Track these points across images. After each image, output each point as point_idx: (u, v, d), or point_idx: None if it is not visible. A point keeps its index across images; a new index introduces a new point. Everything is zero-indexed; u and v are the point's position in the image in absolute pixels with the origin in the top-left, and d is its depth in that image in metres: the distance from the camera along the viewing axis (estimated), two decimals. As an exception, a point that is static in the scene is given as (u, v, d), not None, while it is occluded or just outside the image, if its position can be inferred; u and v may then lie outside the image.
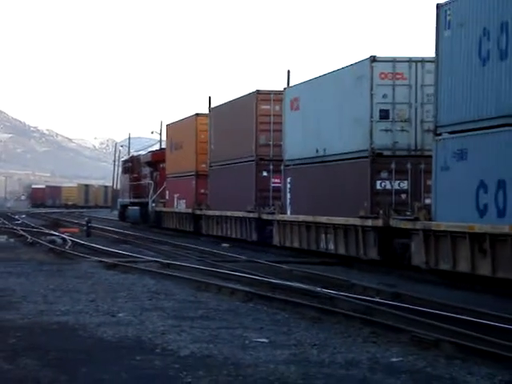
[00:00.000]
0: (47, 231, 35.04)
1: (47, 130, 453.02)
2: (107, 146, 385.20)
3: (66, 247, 26.16)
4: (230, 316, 11.87)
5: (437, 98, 16.93)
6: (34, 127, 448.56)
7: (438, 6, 16.73)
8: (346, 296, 13.40)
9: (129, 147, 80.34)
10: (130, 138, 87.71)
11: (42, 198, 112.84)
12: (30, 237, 30.35)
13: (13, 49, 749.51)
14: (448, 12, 16.42)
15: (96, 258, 21.65)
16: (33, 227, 39.54)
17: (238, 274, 17.41)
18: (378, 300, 13.25)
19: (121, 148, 68.59)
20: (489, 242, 14.84)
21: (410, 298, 13.55)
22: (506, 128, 14.55)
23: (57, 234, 32.64)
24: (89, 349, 9.31)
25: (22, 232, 33.93)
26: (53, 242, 28.34)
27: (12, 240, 30.79)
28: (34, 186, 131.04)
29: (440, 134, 16.67)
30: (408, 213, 18.46)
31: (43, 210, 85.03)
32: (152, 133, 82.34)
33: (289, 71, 31.89)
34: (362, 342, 9.86)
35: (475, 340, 9.43)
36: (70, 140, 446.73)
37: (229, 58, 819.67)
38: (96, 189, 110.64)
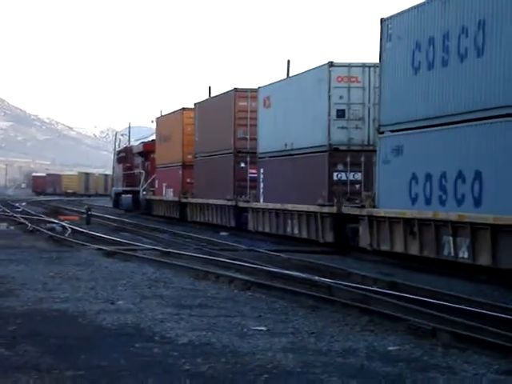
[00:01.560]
0: (47, 219, 35.10)
1: (48, 118, 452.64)
2: (107, 134, 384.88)
3: (66, 235, 26.22)
4: (229, 304, 11.92)
5: (380, 101, 19.47)
6: (35, 115, 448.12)
7: (382, 21, 19.16)
8: (344, 285, 13.46)
9: (129, 136, 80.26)
10: (130, 127, 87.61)
11: (42, 186, 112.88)
12: (30, 224, 30.40)
13: (13, 37, 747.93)
14: (389, 26, 18.84)
15: (96, 246, 21.70)
16: (33, 215, 39.58)
17: (237, 262, 17.47)
18: (375, 289, 13.31)
19: (121, 137, 68.52)
20: (417, 226, 17.36)
21: (407, 287, 13.62)
22: (433, 128, 16.92)
23: (57, 221, 32.71)
24: (88, 336, 9.36)
25: (22, 219, 33.98)
26: (53, 229, 28.40)
27: (12, 227, 30.85)
28: (34, 174, 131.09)
29: (383, 133, 19.04)
30: (357, 201, 20.92)
31: (43, 198, 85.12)
32: (152, 122, 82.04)
33: (289, 61, 31.95)
34: (360, 330, 9.91)
35: (473, 329, 9.47)
36: (71, 128, 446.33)
37: (230, 47, 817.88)
38: (96, 177, 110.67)
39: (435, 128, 16.88)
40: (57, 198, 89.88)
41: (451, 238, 16.16)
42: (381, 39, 19.12)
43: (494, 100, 15.03)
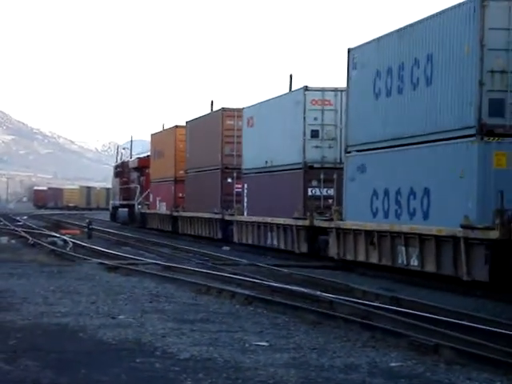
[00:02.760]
0: (48, 233, 35.09)
1: (50, 132, 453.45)
2: (109, 148, 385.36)
3: (67, 249, 26.20)
4: (231, 319, 11.89)
5: (347, 124, 21.43)
6: (37, 129, 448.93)
7: (349, 50, 21.00)
8: (346, 300, 13.43)
9: (131, 150, 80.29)
10: (132, 140, 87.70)
11: (43, 200, 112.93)
12: (31, 238, 30.39)
13: (15, 51, 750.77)
14: (355, 55, 20.70)
15: (97, 260, 21.68)
16: (34, 229, 39.58)
17: (239, 277, 17.45)
18: (377, 304, 13.28)
19: (123, 150, 68.50)
20: (377, 237, 19.21)
21: (409, 303, 13.59)
22: (391, 149, 18.90)
23: (58, 235, 32.69)
24: (89, 350, 9.33)
25: (23, 233, 33.97)
26: (54, 243, 28.39)
27: (13, 241, 30.82)
28: (36, 188, 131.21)
29: (349, 152, 21.00)
30: (327, 215, 22.84)
31: (45, 212, 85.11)
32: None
33: (291, 76, 32.12)
34: (362, 346, 9.88)
35: (475, 345, 9.44)
36: (73, 142, 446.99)
37: (232, 61, 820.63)
38: (98, 191, 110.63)
39: (392, 149, 18.84)
40: (58, 211, 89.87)
41: (404, 248, 18.10)
42: (348, 67, 20.94)
43: (440, 125, 16.88)
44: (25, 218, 59.22)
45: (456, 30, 16.49)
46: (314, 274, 18.64)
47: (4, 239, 31.18)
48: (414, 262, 17.69)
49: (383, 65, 19.12)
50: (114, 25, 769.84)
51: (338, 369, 8.56)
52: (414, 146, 17.83)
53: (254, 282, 16.59)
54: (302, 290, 14.96)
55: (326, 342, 10.08)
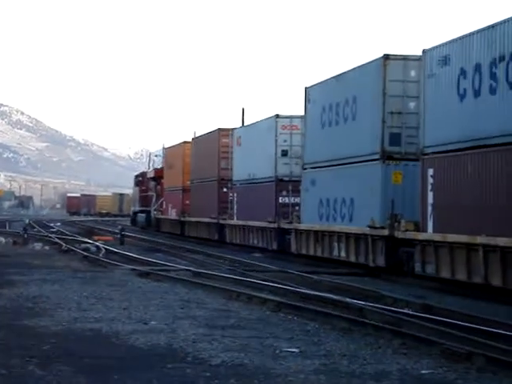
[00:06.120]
0: (81, 239, 35.39)
1: (83, 139, 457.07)
2: (141, 155, 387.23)
3: (100, 255, 26.41)
4: (261, 325, 11.92)
5: (304, 146, 26.73)
6: (70, 136, 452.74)
7: (305, 88, 26.49)
8: (376, 307, 13.41)
9: (162, 157, 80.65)
10: (164, 148, 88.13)
11: (76, 207, 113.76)
12: (64, 244, 30.67)
13: (50, 59, 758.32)
14: (309, 92, 26.24)
15: (129, 266, 21.82)
16: (67, 235, 39.93)
17: (269, 283, 17.48)
18: (407, 311, 13.25)
19: (155, 158, 68.85)
20: (321, 236, 24.67)
21: (439, 310, 13.53)
22: (331, 168, 24.32)
23: (91, 241, 32.96)
24: (121, 356, 9.41)
25: (56, 239, 34.30)
26: (87, 249, 28.63)
27: (47, 247, 31.13)
28: (69, 195, 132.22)
29: (305, 169, 26.40)
30: (290, 218, 28.23)
31: (78, 218, 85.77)
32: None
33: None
34: (392, 353, 9.86)
35: (506, 353, 9.38)
36: (105, 149, 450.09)
37: (264, 68, 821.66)
38: (130, 198, 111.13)
39: (332, 167, 24.30)
40: (91, 218, 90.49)
41: (337, 243, 23.48)
42: (305, 101, 26.42)
43: (361, 151, 22.25)
44: (58, 224, 59.74)
45: (369, 80, 21.85)
46: (343, 281, 18.63)
47: (38, 245, 31.51)
48: (342, 254, 23.14)
49: (327, 101, 24.55)
50: (150, 32, 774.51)
51: (369, 376, 8.55)
52: (345, 166, 23.24)
53: (285, 288, 16.62)
54: (332, 296, 14.95)
55: (356, 349, 10.07)
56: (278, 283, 17.50)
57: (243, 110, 47.77)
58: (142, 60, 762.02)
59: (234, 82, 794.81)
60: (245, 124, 42.24)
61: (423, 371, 8.83)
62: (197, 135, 45.30)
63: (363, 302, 13.97)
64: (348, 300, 14.26)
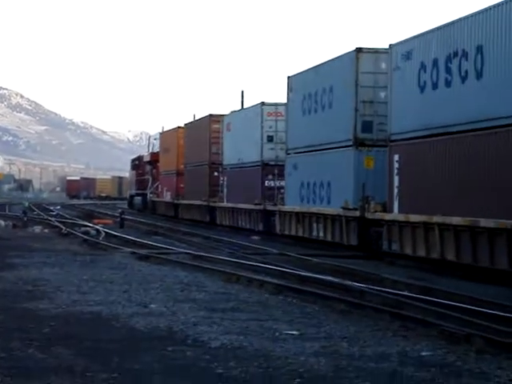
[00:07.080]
0: (81, 222, 35.40)
1: (82, 122, 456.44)
2: (141, 138, 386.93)
3: (100, 238, 26.43)
4: (260, 308, 11.94)
5: (287, 132, 28.26)
6: (70, 119, 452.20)
7: (288, 77, 27.68)
8: (376, 289, 13.42)
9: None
10: (163, 131, 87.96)
11: (76, 190, 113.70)
12: (64, 228, 30.69)
13: (49, 44, 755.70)
14: (291, 81, 27.46)
15: (129, 250, 21.84)
16: (67, 218, 39.93)
17: (268, 266, 17.50)
18: (407, 294, 13.27)
19: (154, 141, 68.78)
20: (301, 217, 26.20)
21: (439, 292, 13.55)
22: (310, 153, 25.68)
23: (91, 225, 32.98)
24: (121, 339, 9.43)
25: (56, 223, 34.30)
26: (87, 233, 28.64)
27: (47, 230, 31.15)
28: (68, 178, 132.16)
29: (289, 154, 27.73)
30: (275, 201, 29.86)
31: (77, 202, 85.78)
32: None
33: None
34: (392, 335, 9.87)
35: (506, 334, 9.39)
36: (105, 132, 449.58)
37: (264, 51, 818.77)
38: (129, 181, 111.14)
39: (311, 153, 25.66)
40: (90, 201, 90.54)
41: (315, 224, 25.13)
42: (287, 90, 27.76)
43: (336, 138, 23.75)
44: (58, 207, 59.69)
45: (343, 71, 23.24)
46: (343, 263, 18.65)
47: (38, 229, 31.54)
48: (320, 234, 24.75)
49: (307, 90, 25.87)
50: (147, 17, 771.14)
51: (369, 358, 8.57)
52: (323, 152, 24.71)
53: (284, 271, 16.64)
54: (331, 279, 14.97)
55: (356, 331, 10.09)
56: (279, 266, 17.52)
57: (242, 92, 47.53)
58: (142, 42, 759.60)
59: (233, 64, 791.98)
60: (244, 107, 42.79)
61: (423, 353, 8.85)
62: (196, 118, 45.59)
63: (363, 285, 13.98)
64: (347, 282, 14.27)
